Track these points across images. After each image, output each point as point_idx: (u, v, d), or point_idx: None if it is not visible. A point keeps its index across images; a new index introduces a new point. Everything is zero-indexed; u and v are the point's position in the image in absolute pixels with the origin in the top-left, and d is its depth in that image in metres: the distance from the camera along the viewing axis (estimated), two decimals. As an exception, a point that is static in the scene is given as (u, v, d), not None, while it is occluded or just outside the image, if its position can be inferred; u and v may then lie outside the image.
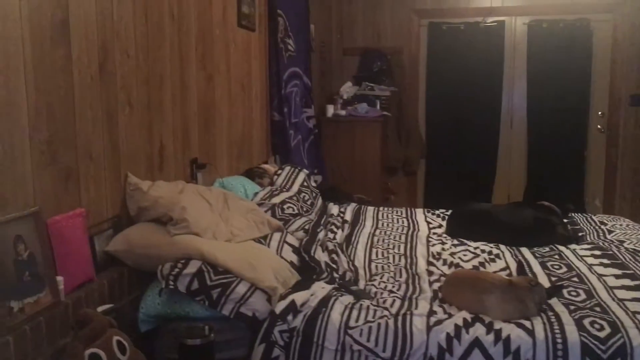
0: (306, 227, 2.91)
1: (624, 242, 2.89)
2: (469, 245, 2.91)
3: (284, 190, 3.23)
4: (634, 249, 2.76)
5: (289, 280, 2.30)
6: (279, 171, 3.53)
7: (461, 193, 4.89)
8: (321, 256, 2.60)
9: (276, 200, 3.02)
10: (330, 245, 2.78)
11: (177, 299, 2.12)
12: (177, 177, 2.68)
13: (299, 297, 2.16)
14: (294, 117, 4.21)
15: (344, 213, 3.45)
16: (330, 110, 4.93)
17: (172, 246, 2.19)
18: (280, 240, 2.55)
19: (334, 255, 2.66)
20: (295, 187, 3.36)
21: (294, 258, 2.47)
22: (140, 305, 2.15)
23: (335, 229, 3.08)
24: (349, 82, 5.17)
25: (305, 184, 3.49)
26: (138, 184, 2.31)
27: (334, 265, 2.56)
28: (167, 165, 2.66)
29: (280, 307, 2.12)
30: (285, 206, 3.01)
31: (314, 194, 3.49)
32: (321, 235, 2.92)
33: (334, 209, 3.50)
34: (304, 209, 3.16)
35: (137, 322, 2.13)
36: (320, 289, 2.26)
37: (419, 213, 3.58)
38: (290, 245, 2.56)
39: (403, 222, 3.37)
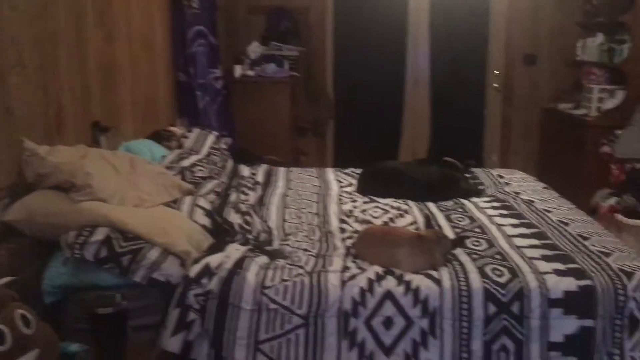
0: (218, 189, 2.87)
1: (519, 193, 3.07)
2: (379, 202, 2.99)
3: (194, 153, 3.16)
4: (529, 200, 2.95)
5: (202, 244, 2.27)
6: (187, 134, 3.44)
7: (370, 152, 4.99)
8: (234, 218, 2.58)
9: (185, 163, 2.94)
10: (243, 207, 2.76)
11: (84, 268, 2.04)
12: (79, 142, 2.54)
13: (213, 260, 2.15)
14: (200, 77, 4.09)
15: (255, 175, 3.43)
16: (238, 70, 4.83)
17: (76, 214, 2.09)
18: (191, 204, 2.50)
19: (247, 217, 2.65)
20: (205, 150, 3.29)
21: (206, 221, 2.44)
22: (44, 277, 2.05)
23: (247, 191, 3.06)
24: (256, 42, 5.07)
25: (215, 146, 3.42)
26: (35, 149, 2.17)
27: (247, 227, 2.55)
28: (67, 129, 2.52)
29: (194, 270, 2.09)
30: (195, 169, 2.95)
31: (224, 156, 3.44)
32: (233, 197, 2.89)
33: (245, 171, 3.47)
34: (215, 172, 3.11)
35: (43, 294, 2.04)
36: (235, 250, 2.25)
37: (330, 173, 3.62)
38: (202, 208, 2.52)
39: (314, 182, 3.40)
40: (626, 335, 1.97)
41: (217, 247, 2.26)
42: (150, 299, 2.08)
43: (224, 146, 3.61)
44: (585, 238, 2.40)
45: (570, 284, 2.01)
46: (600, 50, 4.71)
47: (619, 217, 3.97)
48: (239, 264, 2.15)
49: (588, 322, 1.98)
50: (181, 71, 3.94)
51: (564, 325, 1.98)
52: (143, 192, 2.39)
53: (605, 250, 2.24)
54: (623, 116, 4.41)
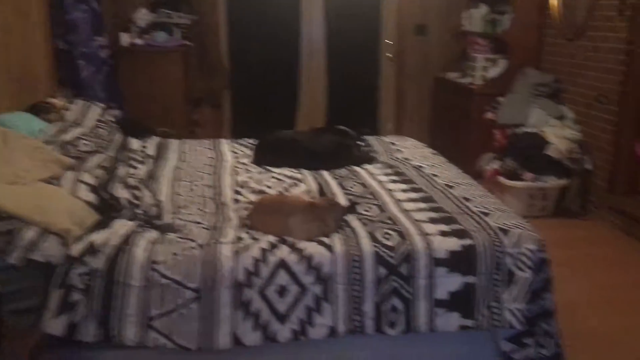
0: (104, 164, 2.73)
1: (410, 160, 3.17)
2: (273, 172, 2.98)
3: (76, 126, 2.99)
4: (419, 165, 3.06)
5: (86, 221, 2.16)
6: (69, 105, 3.24)
7: (267, 122, 4.96)
8: (121, 193, 2.48)
9: (67, 137, 2.78)
10: (132, 182, 2.66)
11: (-47, 252, 1.89)
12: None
13: (98, 237, 2.05)
14: (83, 46, 3.85)
15: (146, 147, 3.31)
16: (126, 39, 4.59)
17: (-60, 194, 1.92)
18: (74, 180, 2.37)
19: (135, 192, 2.55)
20: (90, 122, 3.12)
21: (91, 197, 2.32)
22: None
23: (136, 165, 2.95)
24: (144, 8, 4.84)
25: (101, 118, 3.25)
26: None
27: (136, 202, 2.46)
28: None
29: (77, 249, 1.99)
30: (78, 143, 2.79)
31: (111, 129, 3.28)
32: (121, 171, 2.77)
33: (135, 143, 3.33)
34: (101, 146, 2.96)
35: None
36: (122, 226, 2.16)
37: (225, 144, 3.56)
38: (86, 184, 2.39)
39: (209, 154, 3.33)
40: (504, 289, 2.11)
41: (102, 224, 2.16)
42: (30, 281, 1.96)
43: (111, 118, 3.44)
44: (468, 200, 2.52)
45: (454, 244, 2.11)
46: (484, 20, 4.92)
47: (501, 179, 4.22)
48: (126, 240, 2.07)
49: (470, 279, 2.09)
50: (61, 39, 3.69)
51: (448, 283, 2.08)
52: (19, 169, 2.24)
53: (485, 211, 2.37)
54: (505, 84, 4.66)
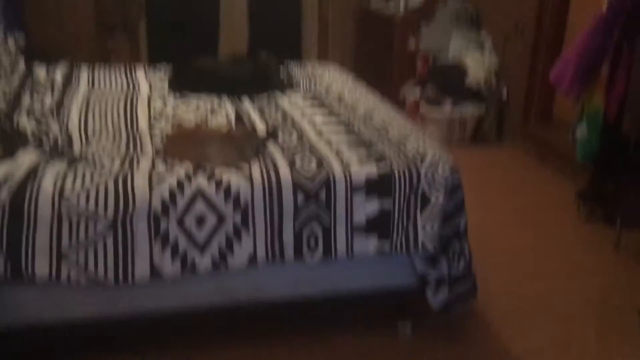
0: (6, 93, 2.55)
1: (331, 87, 3.15)
2: (191, 101, 2.89)
3: (-27, 51, 2.76)
4: (340, 93, 3.04)
5: (-13, 153, 2.03)
6: (-36, 29, 2.98)
7: (187, 50, 4.76)
8: (26, 124, 2.33)
9: (-38, 63, 2.56)
10: (38, 112, 2.50)
11: None
12: None
13: (0, 169, 1.94)
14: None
15: (53, 75, 3.11)
16: (27, -43, 4.23)
17: None
18: (-29, 109, 2.21)
19: (42, 122, 2.40)
20: (-12, 48, 2.89)
21: (-8, 128, 2.17)
22: None
23: (43, 94, 2.77)
24: None
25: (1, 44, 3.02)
26: None
27: (42, 133, 2.32)
28: None
29: (-23, 182, 1.88)
30: (-25, 70, 2.59)
31: (14, 56, 3.05)
32: (26, 101, 2.60)
33: (41, 71, 3.13)
34: (2, 74, 2.75)
35: None
36: (27, 158, 2.05)
37: (140, 71, 3.40)
38: (-15, 114, 2.23)
39: (122, 82, 3.18)
40: (419, 213, 2.17)
41: (5, 157, 2.04)
42: None
43: (13, 44, 3.19)
44: (387, 127, 2.54)
45: (372, 169, 2.14)
46: (406, -52, 4.84)
47: (422, 108, 4.29)
48: (33, 172, 1.97)
49: (387, 204, 2.13)
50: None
51: (366, 208, 2.12)
52: None
53: (404, 137, 2.40)
54: (427, 13, 4.66)
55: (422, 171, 2.16)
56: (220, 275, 2.10)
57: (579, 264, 2.96)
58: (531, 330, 2.44)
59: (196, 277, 2.07)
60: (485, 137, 4.53)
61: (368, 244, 2.15)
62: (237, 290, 2.16)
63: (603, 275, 2.87)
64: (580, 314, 2.56)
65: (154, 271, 1.99)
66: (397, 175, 2.14)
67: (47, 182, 1.93)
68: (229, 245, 2.05)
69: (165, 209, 1.98)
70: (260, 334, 2.34)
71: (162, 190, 1.99)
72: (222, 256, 2.05)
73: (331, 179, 2.10)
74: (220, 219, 2.03)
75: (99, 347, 2.22)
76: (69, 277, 1.94)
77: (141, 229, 1.96)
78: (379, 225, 2.14)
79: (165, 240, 2.00)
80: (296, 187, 2.07)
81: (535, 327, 2.46)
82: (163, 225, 1.99)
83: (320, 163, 2.15)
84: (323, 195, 2.09)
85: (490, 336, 2.40)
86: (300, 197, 2.07)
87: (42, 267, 1.92)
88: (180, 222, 2.00)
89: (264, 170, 2.10)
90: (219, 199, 2.02)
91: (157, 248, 1.99)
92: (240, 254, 2.06)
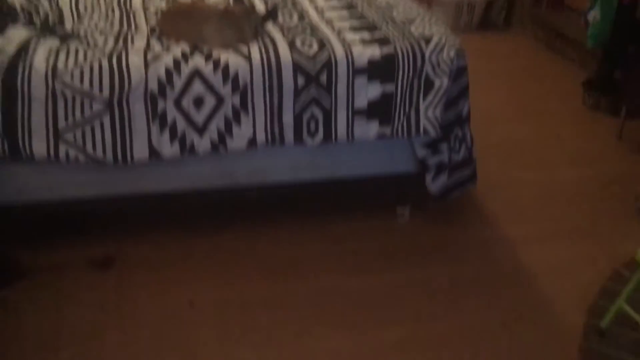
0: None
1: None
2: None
3: None
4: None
5: (-25, 28, 1.95)
6: None
7: None
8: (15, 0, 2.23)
9: None
10: (26, -14, 2.38)
11: None
12: None
13: (-11, 45, 1.87)
14: None
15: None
16: None
17: None
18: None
19: (31, -4, 2.29)
20: None
21: (-22, 2, 2.07)
22: None
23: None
24: None
25: None
26: None
27: (32, 8, 2.22)
28: None
29: (-33, 57, 1.82)
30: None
31: None
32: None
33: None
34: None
35: None
36: (18, 34, 1.97)
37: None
38: (-30, -14, 2.12)
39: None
40: (422, 97, 2.12)
41: (-6, 31, 1.96)
42: None
43: None
44: (392, 8, 2.42)
45: (375, 51, 2.06)
46: None
47: (430, -9, 4.11)
48: (24, 49, 1.90)
49: (389, 87, 2.08)
50: None
51: (368, 92, 2.07)
52: None
53: (409, 19, 2.30)
54: None
55: (427, 54, 2.09)
56: (220, 157, 2.09)
57: (581, 154, 2.95)
58: (528, 217, 2.48)
59: (195, 159, 2.06)
60: (493, 23, 4.37)
61: (369, 128, 2.12)
62: (236, 173, 2.17)
63: (604, 164, 2.87)
64: (579, 202, 2.59)
65: (153, 152, 1.98)
66: (400, 58, 2.06)
67: (39, 60, 1.87)
68: (228, 127, 2.03)
69: (162, 89, 1.93)
70: (259, 217, 2.38)
71: (158, 70, 1.93)
72: (222, 138, 2.03)
73: (332, 61, 2.03)
74: (219, 100, 1.99)
75: (97, 226, 2.27)
76: (67, 156, 1.93)
77: (138, 109, 1.93)
78: (380, 109, 2.10)
79: (163, 121, 1.97)
80: (296, 68, 2.01)
81: (533, 215, 2.50)
82: (160, 106, 1.95)
83: (322, 44, 2.07)
84: (324, 77, 2.03)
85: (487, 223, 2.43)
86: (300, 79, 2.02)
87: (39, 146, 1.90)
88: (178, 103, 1.96)
89: (263, 51, 2.03)
90: (217, 80, 1.97)
91: (155, 129, 1.97)
92: (240, 136, 2.04)
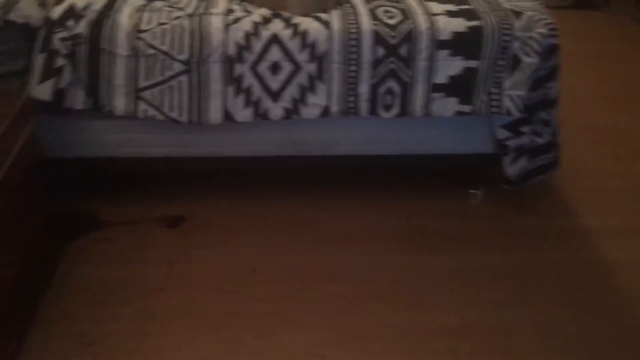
0: None
1: None
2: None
3: None
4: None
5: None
6: None
7: None
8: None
9: None
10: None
11: None
12: None
13: (78, 0, 1.92)
14: None
15: None
16: None
17: None
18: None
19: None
20: None
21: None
22: None
23: None
24: None
25: None
26: None
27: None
28: None
29: (57, 12, 1.88)
30: None
31: None
32: None
33: None
34: None
35: None
36: (104, -9, 2.02)
37: None
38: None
39: None
40: (506, 75, 2.01)
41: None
42: (11, 44, 1.87)
43: None
44: (483, -20, 2.30)
45: (460, 25, 1.97)
46: None
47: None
48: (109, 6, 1.94)
49: (472, 63, 1.98)
50: None
51: (449, 67, 1.98)
52: None
53: (500, -8, 2.18)
54: None
55: (517, 30, 1.97)
56: (292, 125, 2.07)
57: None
58: (612, 210, 2.33)
59: (268, 125, 2.05)
60: (589, 1, 4.09)
61: (447, 105, 2.04)
62: (308, 142, 2.15)
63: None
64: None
65: (227, 115, 1.99)
66: (487, 33, 1.96)
67: (124, 17, 1.91)
68: (303, 95, 2.00)
69: (239, 53, 1.93)
70: (328, 188, 2.36)
71: (237, 34, 1.92)
72: (295, 106, 2.01)
73: (415, 33, 1.95)
74: (296, 67, 1.96)
75: (170, 185, 2.32)
76: (145, 114, 1.97)
77: (215, 72, 1.94)
78: (461, 86, 2.01)
79: (238, 85, 1.97)
80: (376, 39, 1.95)
81: (618, 207, 2.35)
82: (237, 70, 1.95)
83: (405, 14, 2.00)
84: (404, 49, 1.96)
85: (566, 212, 2.31)
86: (380, 50, 1.96)
87: (119, 102, 1.95)
88: (255, 68, 1.95)
89: (344, 19, 1.98)
90: (294, 47, 1.94)
91: (230, 92, 1.97)
92: (314, 105, 2.02)
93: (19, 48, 1.87)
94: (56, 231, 2.02)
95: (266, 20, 1.96)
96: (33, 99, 1.85)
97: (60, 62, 1.87)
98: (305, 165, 2.23)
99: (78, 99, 1.94)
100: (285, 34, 1.94)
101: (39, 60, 1.86)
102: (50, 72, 1.87)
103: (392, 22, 1.97)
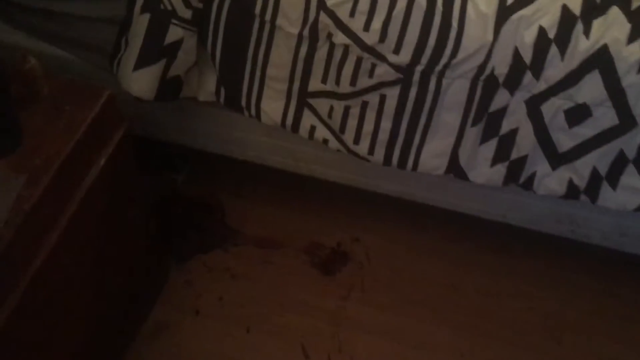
0: None
1: None
2: None
3: None
4: None
5: None
6: None
7: None
8: None
9: None
10: None
11: None
12: None
13: None
14: None
15: None
16: None
17: None
18: None
19: None
20: None
21: None
22: None
23: None
24: None
25: None
26: None
27: None
28: None
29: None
30: None
31: None
32: None
33: None
34: None
35: None
36: None
37: None
38: None
39: None
40: None
41: None
42: None
43: None
44: None
45: None
46: None
47: None
48: None
49: None
50: None
51: None
52: None
53: None
54: None
55: None
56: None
57: None
58: None
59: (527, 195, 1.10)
60: None
61: None
62: (591, 226, 1.17)
63: None
64: None
65: (454, 166, 1.08)
66: None
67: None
68: (614, 167, 1.00)
69: (518, 70, 0.93)
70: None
71: (526, 37, 0.90)
72: (594, 183, 1.02)
73: None
74: (622, 121, 0.94)
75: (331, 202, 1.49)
76: (312, 134, 1.11)
77: (456, 92, 1.00)
78: None
79: (494, 124, 1.01)
80: None
81: None
82: (499, 100, 0.98)
83: None
84: None
85: None
86: None
87: (273, 107, 1.10)
88: (534, 102, 0.96)
89: None
90: None
91: (473, 133, 1.03)
92: (631, 190, 1.01)
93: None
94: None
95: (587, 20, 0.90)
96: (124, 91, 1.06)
97: (176, 32, 1.01)
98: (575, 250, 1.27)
99: (203, 88, 1.11)
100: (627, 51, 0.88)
101: (139, 25, 1.01)
102: (156, 50, 1.02)
103: None
